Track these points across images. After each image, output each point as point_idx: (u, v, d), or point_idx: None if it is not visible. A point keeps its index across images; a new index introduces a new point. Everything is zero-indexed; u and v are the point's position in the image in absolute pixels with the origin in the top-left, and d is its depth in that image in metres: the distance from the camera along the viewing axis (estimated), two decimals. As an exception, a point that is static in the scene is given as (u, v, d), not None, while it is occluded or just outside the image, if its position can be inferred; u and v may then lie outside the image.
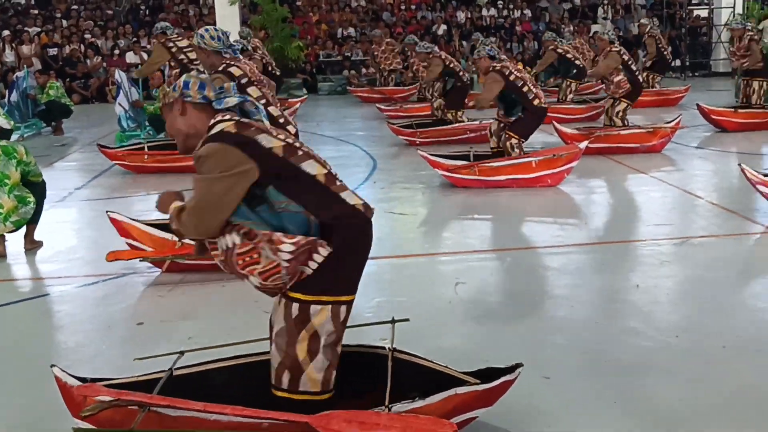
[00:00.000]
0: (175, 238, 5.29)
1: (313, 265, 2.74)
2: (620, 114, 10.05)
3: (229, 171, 2.69)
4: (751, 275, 5.43)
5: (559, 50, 13.83)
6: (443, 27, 22.70)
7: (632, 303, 4.76)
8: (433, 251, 6.03)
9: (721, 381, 3.63)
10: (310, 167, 2.82)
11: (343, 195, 2.84)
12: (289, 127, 5.38)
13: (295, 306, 2.78)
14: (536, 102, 8.16)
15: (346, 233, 2.78)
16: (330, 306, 2.79)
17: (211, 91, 2.96)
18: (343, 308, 2.83)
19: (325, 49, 21.50)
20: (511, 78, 8.15)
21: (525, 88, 8.15)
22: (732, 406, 3.40)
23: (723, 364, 3.80)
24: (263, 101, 5.33)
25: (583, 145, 8.25)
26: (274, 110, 5.39)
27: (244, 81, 5.49)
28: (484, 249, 6.16)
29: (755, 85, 11.78)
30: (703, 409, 3.37)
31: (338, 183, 2.88)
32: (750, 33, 11.94)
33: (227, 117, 2.87)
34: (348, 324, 2.90)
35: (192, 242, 5.22)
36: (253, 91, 5.42)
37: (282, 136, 2.88)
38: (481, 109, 9.07)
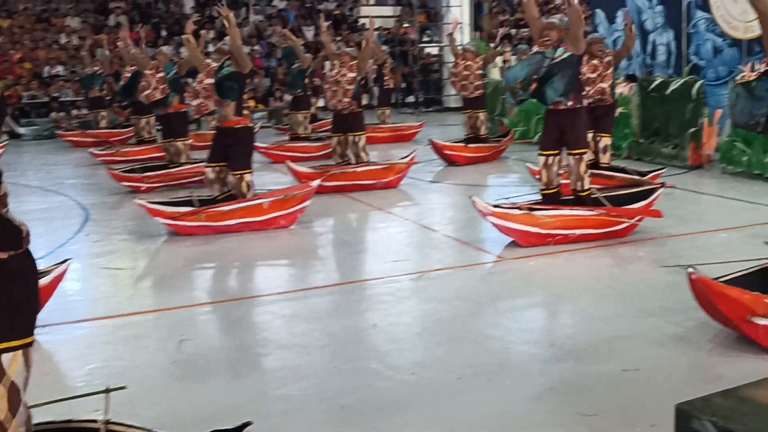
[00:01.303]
0: None
1: None
2: (365, 148, 10.28)
3: None
4: (483, 304, 5.77)
5: None
6: (167, 63, 22.30)
7: (369, 343, 4.87)
8: (154, 308, 5.79)
9: (454, 413, 3.79)
10: None
11: None
12: None
13: None
14: None
15: None
16: (21, 351, 2.59)
17: None
18: (30, 350, 2.65)
19: (30, 89, 20.30)
20: None
21: None
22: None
23: (457, 396, 3.98)
24: None
25: (316, 183, 8.43)
26: None
27: None
28: (211, 301, 5.99)
29: (481, 116, 12.69)
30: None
31: None
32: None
33: None
34: (57, 398, 2.69)
35: None
36: None
37: None
38: None
